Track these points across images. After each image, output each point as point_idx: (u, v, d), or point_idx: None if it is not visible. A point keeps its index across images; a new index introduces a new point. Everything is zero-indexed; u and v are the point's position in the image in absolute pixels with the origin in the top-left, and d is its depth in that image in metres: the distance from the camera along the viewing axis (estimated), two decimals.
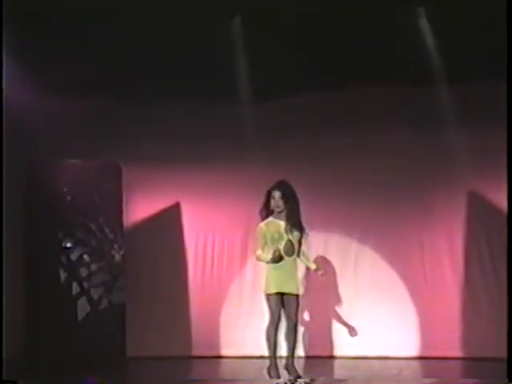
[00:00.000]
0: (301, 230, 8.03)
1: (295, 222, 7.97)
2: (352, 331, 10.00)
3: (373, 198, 10.04)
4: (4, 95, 8.63)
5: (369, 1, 8.67)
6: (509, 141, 6.81)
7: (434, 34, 9.19)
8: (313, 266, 8.27)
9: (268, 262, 7.85)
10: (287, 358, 7.99)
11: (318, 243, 9.53)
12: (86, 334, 9.76)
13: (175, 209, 10.57)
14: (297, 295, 7.96)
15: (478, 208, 10.00)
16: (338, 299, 10.12)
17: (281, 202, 7.92)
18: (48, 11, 8.63)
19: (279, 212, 7.96)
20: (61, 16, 8.69)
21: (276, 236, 7.94)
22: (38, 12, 8.62)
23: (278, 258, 7.80)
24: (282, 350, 8.09)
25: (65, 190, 9.95)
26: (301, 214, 8.02)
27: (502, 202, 9.55)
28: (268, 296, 7.93)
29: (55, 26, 8.81)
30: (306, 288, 9.64)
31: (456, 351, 9.83)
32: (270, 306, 7.92)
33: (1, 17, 7.39)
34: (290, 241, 7.95)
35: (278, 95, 10.04)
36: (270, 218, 7.99)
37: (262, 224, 8.01)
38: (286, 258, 7.92)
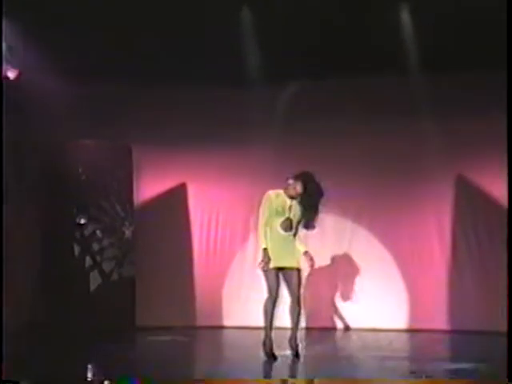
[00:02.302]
0: (310, 214, 7.64)
1: (305, 205, 7.59)
2: (346, 305, 10.12)
3: (367, 182, 10.13)
4: (23, 81, 8.80)
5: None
6: (509, 138, 6.55)
7: (425, 27, 9.08)
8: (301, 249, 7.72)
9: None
10: (291, 332, 7.64)
11: None
12: (98, 305, 9.81)
13: (181, 188, 10.68)
14: (297, 269, 7.61)
15: (465, 193, 10.12)
16: (333, 276, 10.22)
17: (295, 195, 7.55)
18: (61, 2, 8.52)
19: (295, 199, 7.62)
20: (78, 5, 8.57)
21: (280, 209, 7.61)
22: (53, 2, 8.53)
23: (266, 262, 7.48)
24: (282, 322, 7.79)
25: (79, 170, 9.98)
26: (319, 203, 7.62)
27: (488, 188, 9.89)
28: (265, 271, 7.58)
29: (72, 15, 8.69)
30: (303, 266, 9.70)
31: (442, 324, 9.97)
32: (267, 281, 7.58)
33: (1, 17, 7.26)
34: (289, 218, 7.61)
35: (278, 83, 10.10)
36: (281, 191, 7.64)
37: (272, 193, 7.65)
38: (283, 233, 7.59)
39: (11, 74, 9.00)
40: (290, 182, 7.62)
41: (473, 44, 9.00)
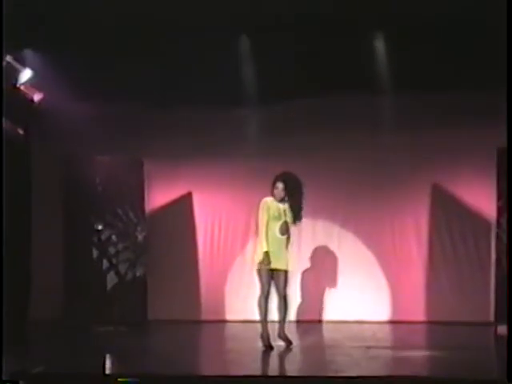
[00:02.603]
0: (298, 215, 8.06)
1: (294, 208, 8.02)
2: (334, 300, 10.52)
3: (353, 191, 10.49)
4: (45, 102, 9.16)
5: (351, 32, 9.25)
6: (509, 141, 6.41)
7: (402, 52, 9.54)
8: None
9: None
10: (279, 326, 8.07)
11: (306, 228, 9.86)
12: (115, 301, 10.25)
13: (188, 197, 10.92)
14: (286, 271, 7.98)
15: (440, 198, 10.54)
16: (323, 274, 10.59)
17: (282, 193, 7.97)
18: (79, 28, 9.00)
19: (281, 200, 8.01)
20: (93, 34, 9.07)
21: (276, 214, 7.95)
22: (70, 28, 9.00)
23: (265, 264, 7.89)
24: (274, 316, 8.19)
25: (97, 181, 10.40)
26: (303, 202, 8.07)
27: (460, 195, 10.40)
28: (259, 271, 7.99)
29: (89, 45, 9.21)
30: (297, 265, 9.91)
31: (420, 316, 10.43)
32: (260, 280, 7.99)
33: (1, 17, 7.12)
34: (285, 222, 7.99)
35: (273, 102, 10.46)
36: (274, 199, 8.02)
37: (268, 199, 8.00)
38: (280, 236, 7.95)
39: (36, 97, 9.30)
40: (276, 187, 7.96)
41: (445, 64, 9.44)
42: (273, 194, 8.04)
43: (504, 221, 9.91)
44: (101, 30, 9.05)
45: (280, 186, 7.97)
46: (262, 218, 7.98)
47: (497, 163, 9.92)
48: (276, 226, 7.98)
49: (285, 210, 8.03)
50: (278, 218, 7.98)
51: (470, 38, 9.01)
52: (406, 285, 10.51)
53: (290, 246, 8.15)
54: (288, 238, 8.07)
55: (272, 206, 7.99)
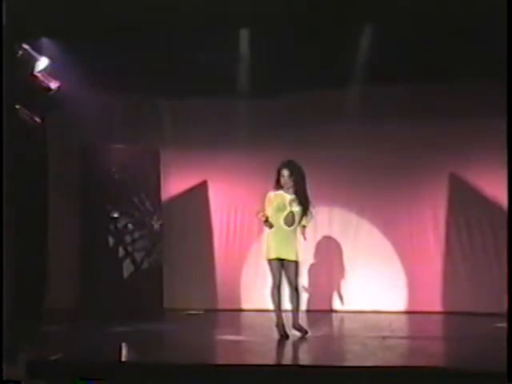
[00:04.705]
0: (305, 204, 8.01)
1: (301, 198, 7.98)
2: (351, 289, 10.53)
3: (369, 178, 10.46)
4: (61, 91, 9.05)
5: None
6: (509, 137, 6.42)
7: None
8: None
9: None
10: (293, 317, 8.05)
11: (322, 216, 9.89)
12: (131, 289, 10.17)
13: (203, 186, 10.97)
14: (295, 261, 7.96)
15: (458, 188, 10.51)
16: (339, 263, 10.60)
17: (289, 180, 7.94)
18: (96, 16, 8.86)
19: (287, 189, 7.98)
20: (110, 25, 8.97)
21: (281, 206, 7.91)
22: (87, 16, 8.83)
23: (268, 225, 7.89)
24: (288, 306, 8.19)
25: (113, 170, 10.33)
26: (307, 190, 8.05)
27: (479, 183, 10.36)
28: (269, 261, 7.97)
29: (106, 35, 9.13)
30: (314, 253, 10.31)
31: (437, 306, 10.41)
32: (271, 270, 7.96)
33: (1, 17, 7.08)
34: (291, 212, 7.95)
35: (285, 94, 10.48)
36: (280, 191, 8.00)
37: (271, 193, 7.99)
38: (286, 228, 7.93)
39: (53, 86, 9.20)
40: (282, 175, 7.92)
41: (459, 53, 9.29)
42: (278, 183, 8.01)
43: None
44: (118, 18, 8.88)
45: (286, 173, 7.95)
46: (266, 211, 7.96)
47: None
48: (281, 218, 7.95)
49: (291, 201, 7.99)
50: (283, 209, 7.95)
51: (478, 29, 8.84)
52: (423, 274, 10.47)
53: (299, 236, 8.06)
54: (296, 229, 8.00)
55: (275, 199, 7.98)
